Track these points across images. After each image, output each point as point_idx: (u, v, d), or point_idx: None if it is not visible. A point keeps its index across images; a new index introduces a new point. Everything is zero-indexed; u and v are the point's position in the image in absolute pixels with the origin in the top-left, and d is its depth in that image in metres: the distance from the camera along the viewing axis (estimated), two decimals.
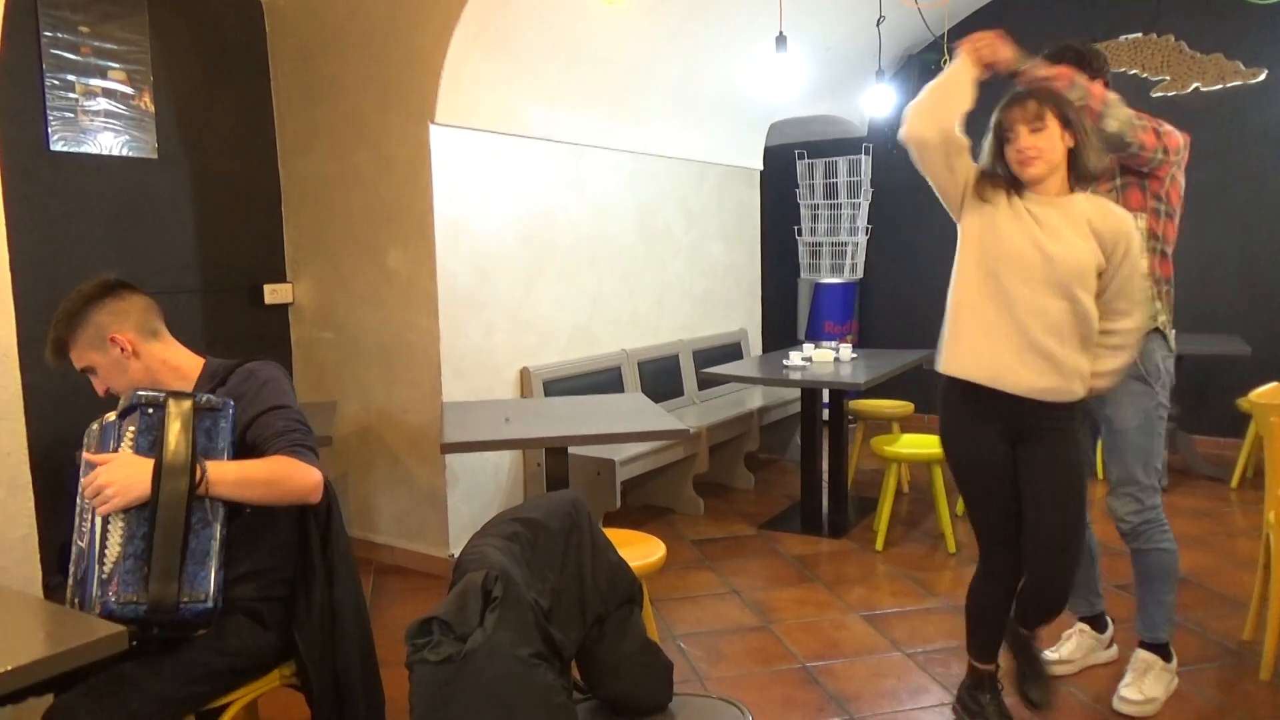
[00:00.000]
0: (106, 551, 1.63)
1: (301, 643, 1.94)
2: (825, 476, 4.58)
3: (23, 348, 2.49)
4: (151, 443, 1.71)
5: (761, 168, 6.26)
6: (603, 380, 4.70)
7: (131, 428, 1.72)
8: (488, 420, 3.25)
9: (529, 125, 4.20)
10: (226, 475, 1.73)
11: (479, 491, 4.09)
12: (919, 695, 2.85)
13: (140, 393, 1.75)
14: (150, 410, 1.73)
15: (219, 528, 1.72)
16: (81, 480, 1.69)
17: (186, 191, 3.79)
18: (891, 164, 6.64)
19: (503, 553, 1.57)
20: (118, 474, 1.65)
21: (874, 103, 5.37)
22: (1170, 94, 5.79)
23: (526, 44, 3.96)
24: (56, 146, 3.29)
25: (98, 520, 1.66)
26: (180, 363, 1.99)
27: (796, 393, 5.65)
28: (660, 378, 5.13)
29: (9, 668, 1.32)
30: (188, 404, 1.75)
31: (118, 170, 3.52)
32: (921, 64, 6.33)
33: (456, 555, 3.90)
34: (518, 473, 4.30)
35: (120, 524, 1.64)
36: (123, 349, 1.91)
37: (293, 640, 1.96)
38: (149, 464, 1.67)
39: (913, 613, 3.48)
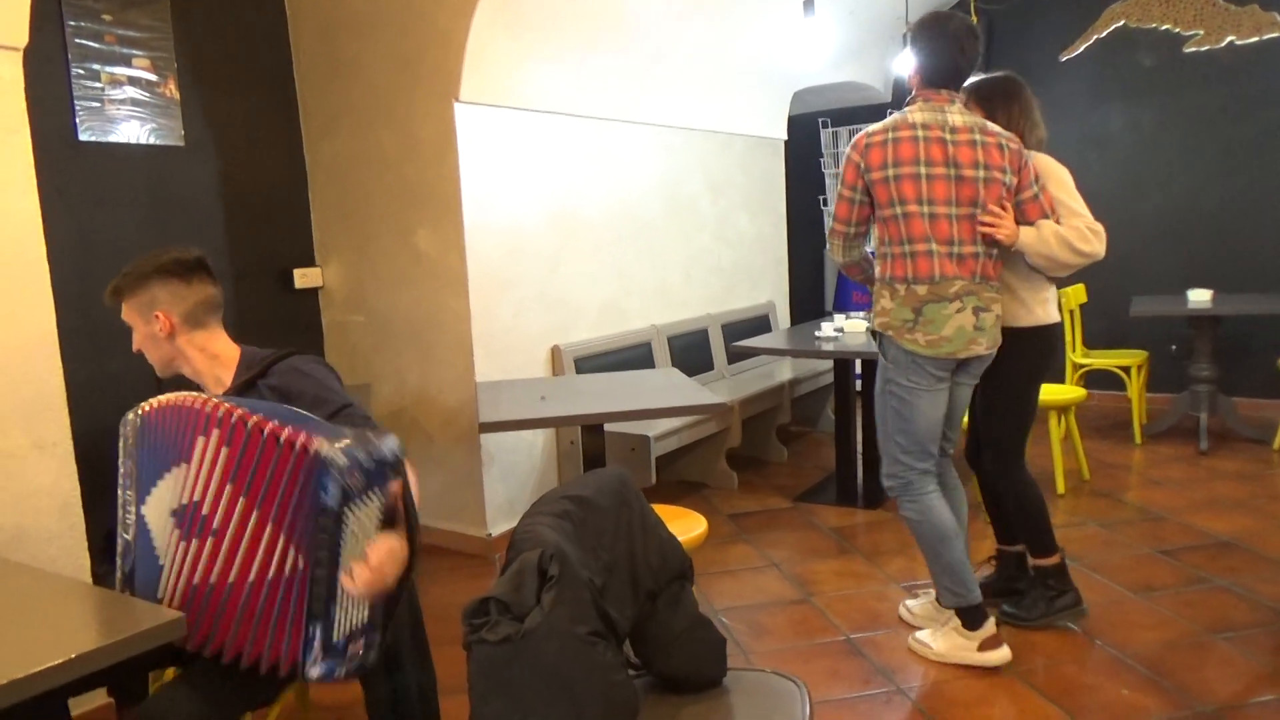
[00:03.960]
0: (349, 613, 1.64)
1: None
2: (859, 447, 4.55)
3: (62, 339, 2.50)
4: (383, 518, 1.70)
5: (786, 137, 6.18)
6: (633, 356, 4.68)
7: (340, 493, 1.60)
8: (523, 399, 3.24)
9: (553, 100, 4.16)
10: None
11: (514, 470, 4.10)
12: (962, 665, 2.82)
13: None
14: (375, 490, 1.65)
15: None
16: (355, 569, 1.63)
17: (214, 178, 3.78)
18: None
19: (555, 531, 1.56)
20: (391, 560, 1.66)
21: (904, 66, 5.27)
22: (1204, 49, 5.65)
23: (549, 17, 3.91)
24: (85, 136, 3.29)
25: (145, 513, 1.66)
26: (218, 350, 1.99)
27: (827, 364, 5.62)
28: (690, 352, 5.10)
29: (71, 656, 1.32)
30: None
31: (146, 159, 3.52)
32: None
33: (493, 534, 3.95)
34: (551, 451, 4.30)
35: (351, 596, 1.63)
36: (162, 327, 1.92)
37: None
38: (404, 549, 1.70)
39: None
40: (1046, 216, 2.72)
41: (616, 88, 4.52)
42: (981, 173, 2.63)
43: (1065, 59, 6.03)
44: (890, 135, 2.64)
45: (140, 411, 1.78)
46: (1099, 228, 2.74)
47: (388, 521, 1.67)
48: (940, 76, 2.69)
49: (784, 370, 5.46)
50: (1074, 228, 2.72)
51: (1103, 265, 6.04)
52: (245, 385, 1.92)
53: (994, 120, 2.79)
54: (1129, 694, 2.60)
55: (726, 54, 5.09)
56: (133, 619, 1.45)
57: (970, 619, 2.78)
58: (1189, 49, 5.68)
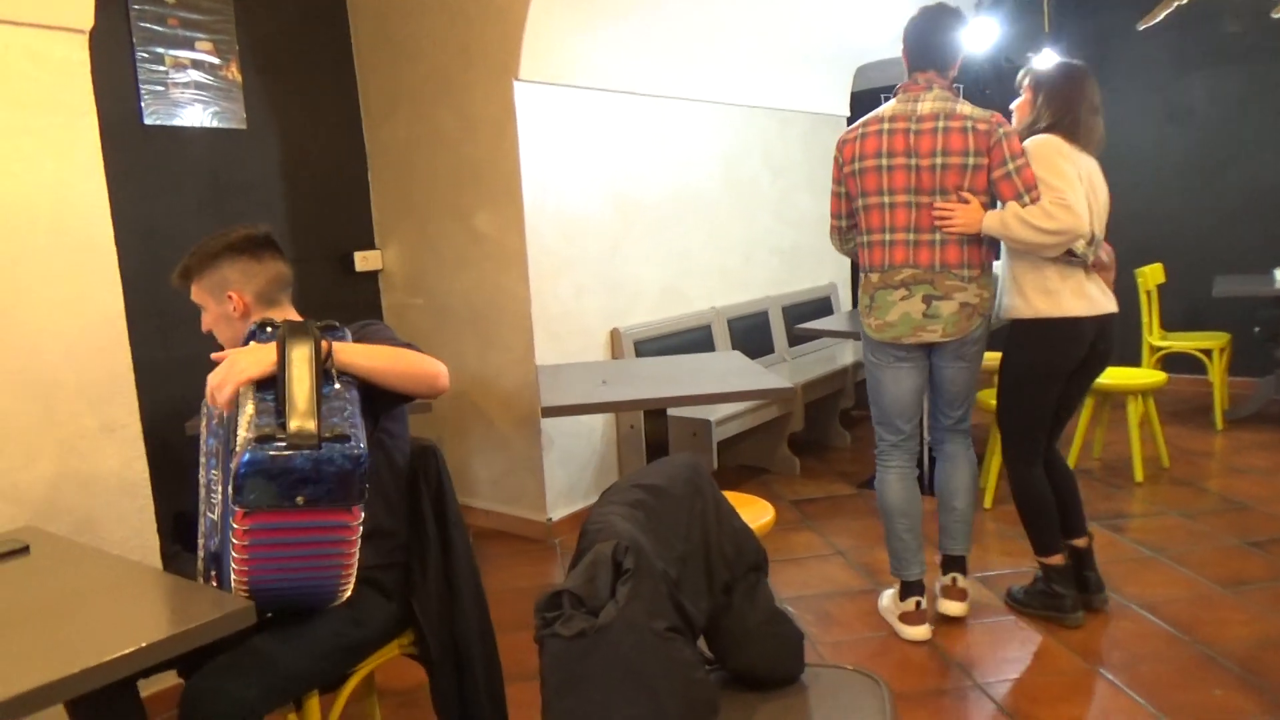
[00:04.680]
0: (239, 427, 1.50)
1: (420, 612, 1.92)
2: (925, 433, 4.41)
3: (129, 321, 2.51)
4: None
5: (849, 114, 6.02)
6: (693, 339, 4.60)
7: (252, 342, 1.66)
8: (584, 383, 3.19)
9: (612, 78, 4.08)
10: (352, 346, 1.67)
11: (574, 455, 4.06)
12: (1043, 658, 2.72)
13: (256, 321, 1.70)
14: (269, 329, 1.65)
15: (352, 393, 1.60)
16: (209, 382, 1.58)
17: (275, 161, 3.78)
18: (984, 104, 6.32)
19: (629, 521, 1.49)
20: (245, 353, 1.58)
21: (974, 38, 5.08)
22: None
23: None
24: (150, 120, 3.31)
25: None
26: None
27: None
28: (751, 334, 5.01)
29: (142, 645, 1.30)
30: (306, 321, 1.67)
31: (209, 142, 3.53)
32: None
33: (553, 518, 3.92)
34: (611, 435, 4.25)
35: (251, 398, 1.54)
36: (235, 307, 1.90)
37: (411, 609, 1.94)
38: (274, 344, 1.59)
39: (1028, 573, 3.31)
40: (1021, 196, 2.65)
41: (676, 65, 4.43)
42: (939, 159, 2.69)
43: (1143, 28, 5.75)
44: (860, 131, 2.79)
45: None
46: (1068, 201, 2.61)
47: None
48: (919, 61, 2.78)
49: (846, 353, 5.33)
50: (1038, 206, 2.63)
51: (1182, 243, 5.81)
52: None
53: (1038, 113, 2.81)
54: (1222, 694, 2.47)
55: (788, 28, 4.95)
56: (202, 607, 1.42)
57: (902, 591, 2.95)
58: (1278, 14, 5.39)
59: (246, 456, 1.43)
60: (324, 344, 1.60)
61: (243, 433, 1.48)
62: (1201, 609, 2.95)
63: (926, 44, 2.77)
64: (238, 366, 1.56)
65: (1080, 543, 2.99)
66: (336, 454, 1.46)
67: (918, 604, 2.90)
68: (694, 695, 1.38)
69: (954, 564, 3.01)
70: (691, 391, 2.98)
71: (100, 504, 2.43)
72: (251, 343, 1.67)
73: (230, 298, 1.89)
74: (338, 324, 1.75)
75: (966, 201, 2.69)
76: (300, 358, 1.54)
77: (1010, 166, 2.66)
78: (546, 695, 1.40)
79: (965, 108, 2.71)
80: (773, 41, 4.94)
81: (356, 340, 1.81)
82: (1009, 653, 2.77)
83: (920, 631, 2.88)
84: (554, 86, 3.80)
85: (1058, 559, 2.92)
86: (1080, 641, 2.79)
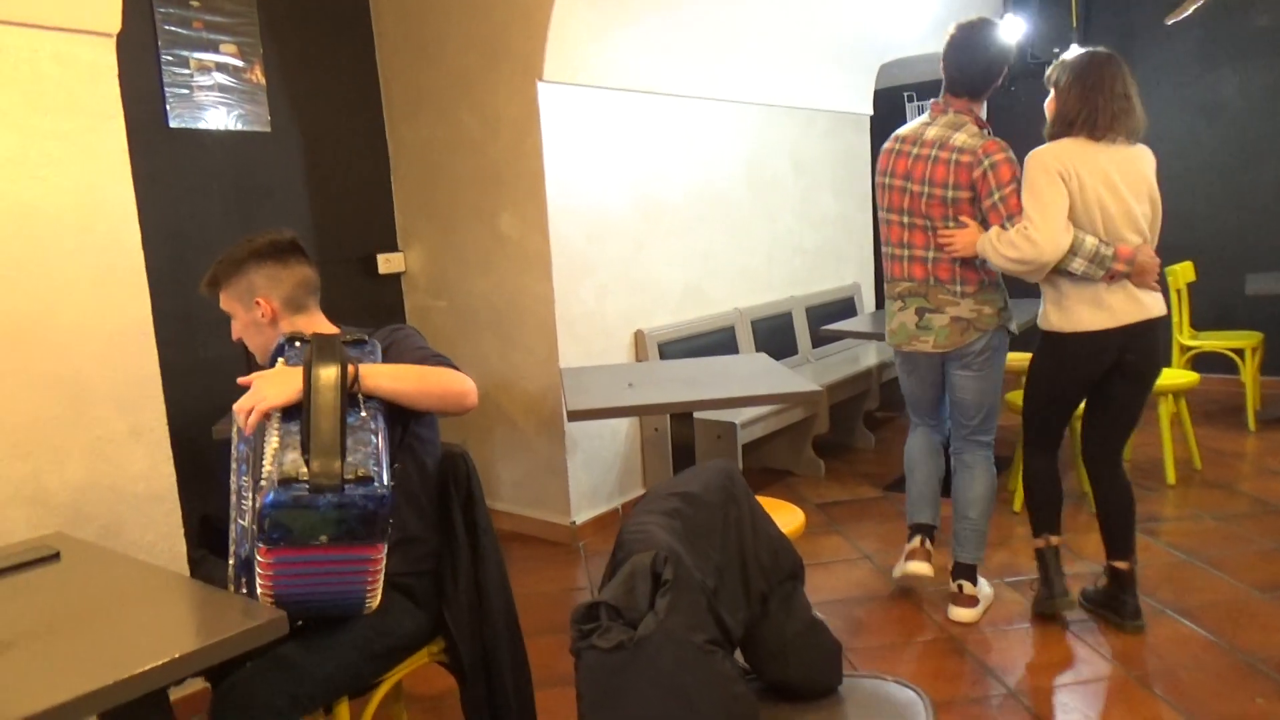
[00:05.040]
0: (264, 462, 1.52)
1: (451, 620, 1.90)
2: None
3: (155, 324, 2.50)
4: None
5: (871, 112, 5.97)
6: (717, 340, 4.57)
7: (281, 359, 1.67)
8: (609, 385, 3.16)
9: (635, 78, 4.06)
10: (379, 370, 1.66)
11: (598, 457, 4.03)
12: (1078, 666, 2.67)
13: (286, 333, 1.71)
14: (297, 344, 1.68)
15: (378, 423, 1.60)
16: (235, 406, 1.60)
17: (299, 163, 3.78)
18: (1009, 101, 6.25)
19: (667, 531, 1.47)
20: (272, 378, 1.58)
21: (1004, 35, 5.02)
22: None
23: None
24: (175, 123, 3.31)
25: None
26: (320, 332, 1.95)
27: None
28: (774, 336, 4.97)
29: (175, 656, 1.28)
30: (334, 336, 1.69)
31: (234, 145, 3.52)
32: None
33: (577, 521, 3.89)
34: (635, 438, 4.22)
35: (276, 428, 1.55)
36: (264, 314, 1.88)
37: (441, 617, 1.92)
38: (300, 369, 1.59)
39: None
40: (1004, 223, 2.71)
41: (699, 64, 4.39)
42: (925, 188, 2.84)
43: (1172, 22, 5.67)
44: (886, 146, 2.98)
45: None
46: (1031, 235, 2.61)
47: None
48: (951, 85, 2.89)
49: (869, 354, 5.29)
50: (1007, 234, 2.67)
51: (1212, 241, 5.72)
52: None
53: (1056, 111, 2.74)
54: (1264, 703, 2.42)
55: (812, 27, 4.91)
56: (235, 616, 1.41)
57: (909, 532, 3.14)
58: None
59: (270, 497, 1.44)
60: (350, 367, 1.60)
61: (267, 465, 1.49)
62: (1240, 615, 2.89)
63: (959, 70, 2.87)
64: (263, 394, 1.56)
65: (1122, 565, 2.86)
66: (359, 497, 1.47)
67: (922, 541, 3.07)
68: (735, 711, 1.35)
69: (963, 571, 3.01)
70: (719, 395, 2.94)
71: (128, 508, 2.43)
72: (279, 361, 1.66)
73: (258, 304, 1.87)
74: (366, 336, 1.74)
75: (965, 225, 2.81)
76: (326, 386, 1.54)
77: (996, 197, 2.72)
78: (583, 709, 1.38)
79: (960, 138, 2.79)
80: (796, 40, 4.90)
81: (385, 348, 1.80)
82: (1042, 658, 2.72)
83: (918, 567, 3.05)
84: (577, 87, 3.78)
85: (1041, 542, 2.92)
86: (1117, 648, 2.74)
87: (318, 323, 1.95)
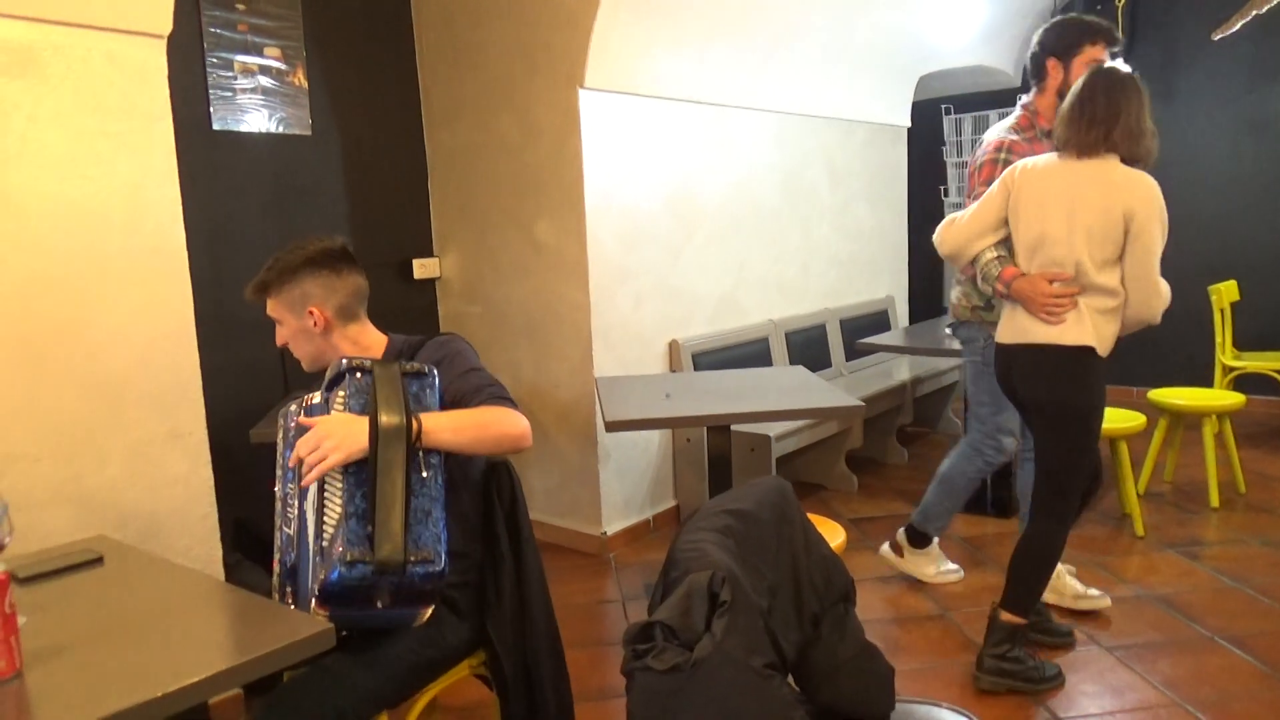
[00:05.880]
0: (325, 517, 1.55)
1: (494, 632, 1.87)
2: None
3: (197, 327, 2.50)
4: (363, 405, 1.64)
5: (909, 124, 5.91)
6: (751, 352, 4.53)
7: (341, 393, 1.66)
8: (646, 396, 3.13)
9: (676, 87, 4.03)
10: (440, 422, 1.65)
11: (630, 468, 4.00)
12: (1125, 693, 2.60)
13: (345, 360, 1.69)
14: (359, 375, 1.67)
15: (438, 486, 1.63)
16: (297, 444, 1.61)
17: (338, 168, 3.78)
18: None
19: (722, 549, 1.43)
20: (335, 429, 1.57)
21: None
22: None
23: (674, 1, 3.77)
24: (218, 126, 3.31)
25: (311, 492, 1.60)
26: (369, 343, 1.94)
27: (948, 363, 5.36)
28: (808, 348, 4.92)
29: (220, 669, 1.26)
30: (394, 367, 1.69)
31: (274, 148, 3.53)
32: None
33: (609, 532, 3.86)
34: (668, 449, 4.19)
35: (339, 485, 1.57)
36: (316, 322, 1.86)
37: (483, 629, 1.89)
38: (364, 420, 1.60)
39: None
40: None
41: (738, 73, 4.36)
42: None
43: (1219, 37, 5.58)
44: None
45: (305, 403, 1.72)
46: (941, 226, 2.78)
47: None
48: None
49: (902, 368, 5.22)
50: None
51: (1257, 260, 5.63)
52: None
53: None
54: None
55: (851, 38, 4.87)
56: (280, 628, 1.38)
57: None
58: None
59: (335, 575, 1.49)
60: (414, 422, 1.60)
61: (329, 528, 1.54)
62: None
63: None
64: (326, 450, 1.56)
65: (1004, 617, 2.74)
66: (419, 575, 1.54)
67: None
68: None
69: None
70: (758, 408, 2.90)
71: (166, 510, 2.42)
72: (337, 395, 1.65)
73: (311, 313, 1.85)
74: (426, 369, 1.73)
75: None
76: (392, 448, 1.57)
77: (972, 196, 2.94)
78: None
79: (987, 134, 3.01)
80: (835, 51, 4.86)
81: (437, 362, 1.78)
82: (1090, 685, 2.65)
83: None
84: (618, 94, 3.76)
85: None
86: (1167, 675, 2.67)
87: (368, 332, 1.94)
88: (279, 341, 1.93)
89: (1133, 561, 3.56)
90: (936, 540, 3.44)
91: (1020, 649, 2.65)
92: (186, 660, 1.28)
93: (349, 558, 1.48)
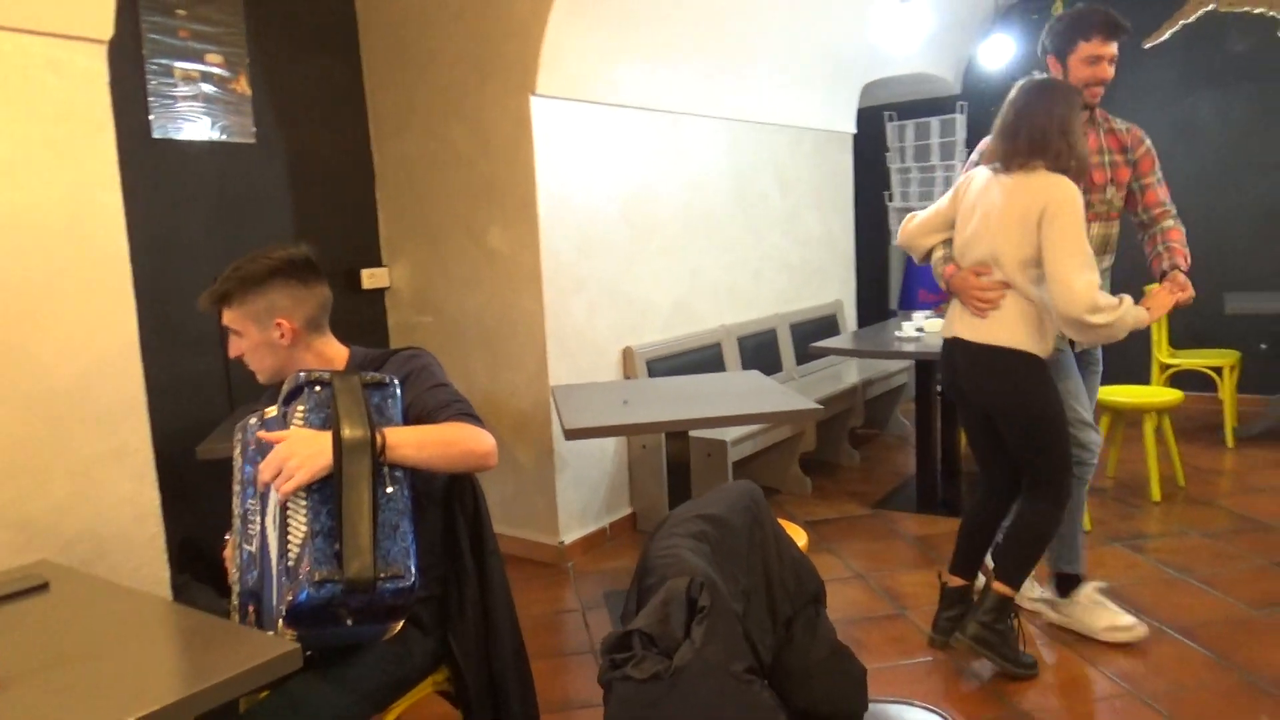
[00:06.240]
0: (290, 536, 1.50)
1: (458, 646, 1.84)
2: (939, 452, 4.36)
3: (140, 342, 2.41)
4: (324, 419, 1.59)
5: (855, 131, 6.00)
6: (704, 358, 4.54)
7: (301, 407, 1.61)
8: (604, 403, 3.12)
9: (629, 94, 4.03)
10: (405, 438, 1.61)
11: (586, 477, 3.98)
12: (1082, 686, 2.65)
13: (303, 373, 1.64)
14: (318, 388, 1.62)
15: (405, 499, 1.60)
16: (260, 468, 1.56)
17: (283, 176, 3.70)
18: (989, 121, 6.32)
19: (696, 554, 1.42)
20: (298, 447, 1.52)
21: (991, 54, 5.05)
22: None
23: (626, 9, 3.77)
24: (158, 134, 3.22)
25: (271, 508, 1.55)
26: (332, 355, 1.89)
27: (897, 365, 5.45)
28: (760, 353, 4.95)
29: (186, 694, 1.21)
30: (354, 379, 1.64)
31: (217, 157, 3.44)
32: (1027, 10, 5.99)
33: (566, 541, 3.82)
34: (624, 456, 4.17)
35: (303, 504, 1.52)
36: (283, 335, 1.80)
37: (447, 644, 1.85)
38: (327, 435, 1.55)
39: None
40: None
41: (691, 81, 4.38)
42: None
43: (1149, 46, 5.78)
44: None
45: (262, 416, 1.67)
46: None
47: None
48: None
49: (851, 372, 5.28)
50: None
51: (1192, 261, 5.74)
52: None
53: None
54: None
55: (798, 46, 4.93)
56: (244, 650, 1.33)
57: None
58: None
59: (304, 595, 1.45)
60: (378, 436, 1.57)
61: (295, 547, 1.49)
62: (1239, 633, 2.89)
63: None
64: (291, 466, 1.51)
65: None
66: (389, 592, 1.51)
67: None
68: None
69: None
70: (719, 413, 2.91)
71: (112, 532, 2.33)
72: (296, 409, 1.61)
73: (279, 325, 1.79)
74: (387, 379, 1.69)
75: None
76: (357, 460, 1.53)
77: None
78: None
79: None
80: (783, 58, 4.91)
81: (403, 379, 1.74)
82: (1048, 677, 2.70)
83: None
84: (570, 102, 3.74)
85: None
86: (1121, 668, 2.73)
87: (331, 344, 1.89)
88: (233, 353, 1.87)
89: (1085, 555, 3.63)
90: (1092, 585, 3.01)
91: (1007, 623, 2.70)
92: (146, 687, 1.23)
93: (317, 577, 1.44)
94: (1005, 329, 2.61)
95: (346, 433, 1.54)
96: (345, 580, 1.46)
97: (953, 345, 2.77)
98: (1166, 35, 5.73)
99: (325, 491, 1.53)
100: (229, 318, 1.82)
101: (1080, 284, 2.42)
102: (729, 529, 1.56)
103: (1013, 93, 2.67)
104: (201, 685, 1.23)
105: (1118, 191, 2.92)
